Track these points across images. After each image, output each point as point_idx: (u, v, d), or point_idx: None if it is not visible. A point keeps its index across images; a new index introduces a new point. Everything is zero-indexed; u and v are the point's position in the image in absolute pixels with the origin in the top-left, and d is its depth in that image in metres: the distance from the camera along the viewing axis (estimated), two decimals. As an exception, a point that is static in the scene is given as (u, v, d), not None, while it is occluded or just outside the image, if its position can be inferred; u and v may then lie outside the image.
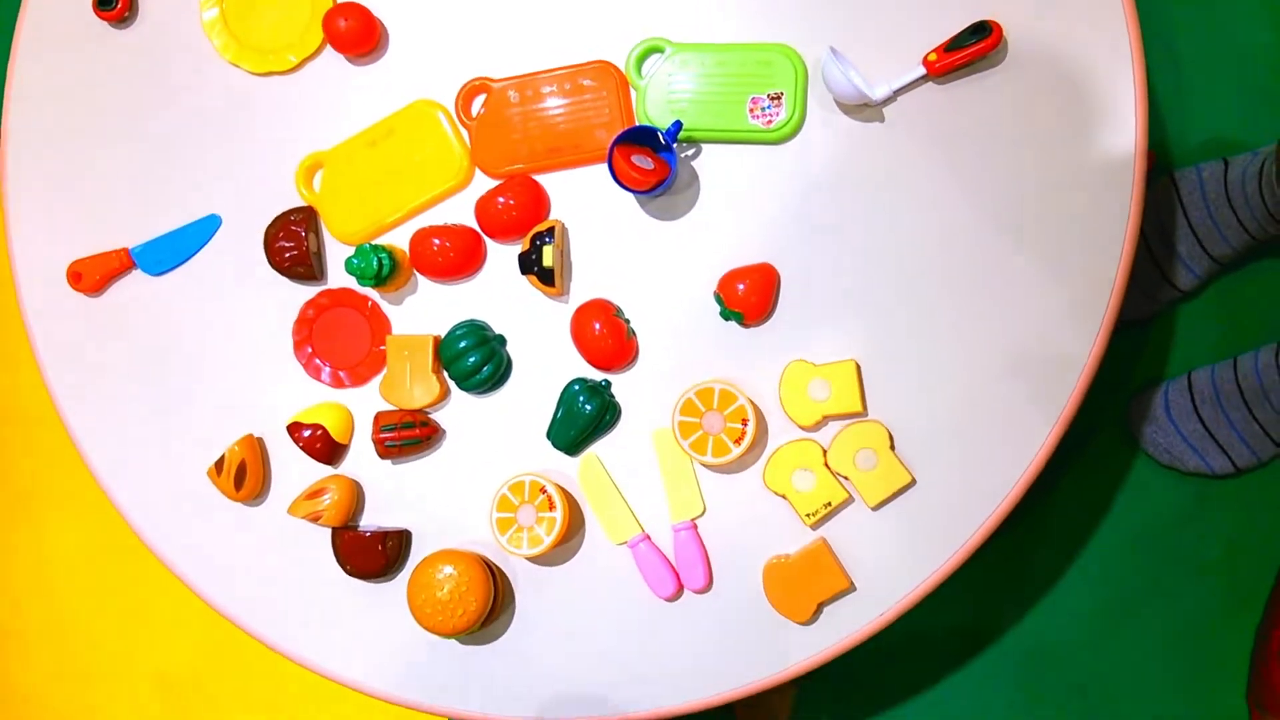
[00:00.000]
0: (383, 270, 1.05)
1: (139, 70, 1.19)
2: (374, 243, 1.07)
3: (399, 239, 1.12)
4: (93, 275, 1.17)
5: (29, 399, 1.82)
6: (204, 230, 1.16)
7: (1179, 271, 1.37)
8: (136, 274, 1.18)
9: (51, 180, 1.21)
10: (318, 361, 1.12)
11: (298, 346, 1.13)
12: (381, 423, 1.08)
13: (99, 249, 1.18)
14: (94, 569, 1.80)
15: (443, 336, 1.08)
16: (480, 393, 1.09)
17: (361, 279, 1.05)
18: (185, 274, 1.17)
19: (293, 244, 1.10)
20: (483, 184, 1.10)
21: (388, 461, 1.11)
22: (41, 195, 1.21)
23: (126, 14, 1.19)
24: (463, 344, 1.06)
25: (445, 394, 1.10)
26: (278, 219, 1.11)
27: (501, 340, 1.09)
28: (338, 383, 1.12)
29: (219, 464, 1.10)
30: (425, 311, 1.11)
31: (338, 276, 1.13)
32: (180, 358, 1.17)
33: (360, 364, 1.11)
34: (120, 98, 1.19)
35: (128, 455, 1.17)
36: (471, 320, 1.09)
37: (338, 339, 1.12)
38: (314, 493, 1.08)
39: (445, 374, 1.09)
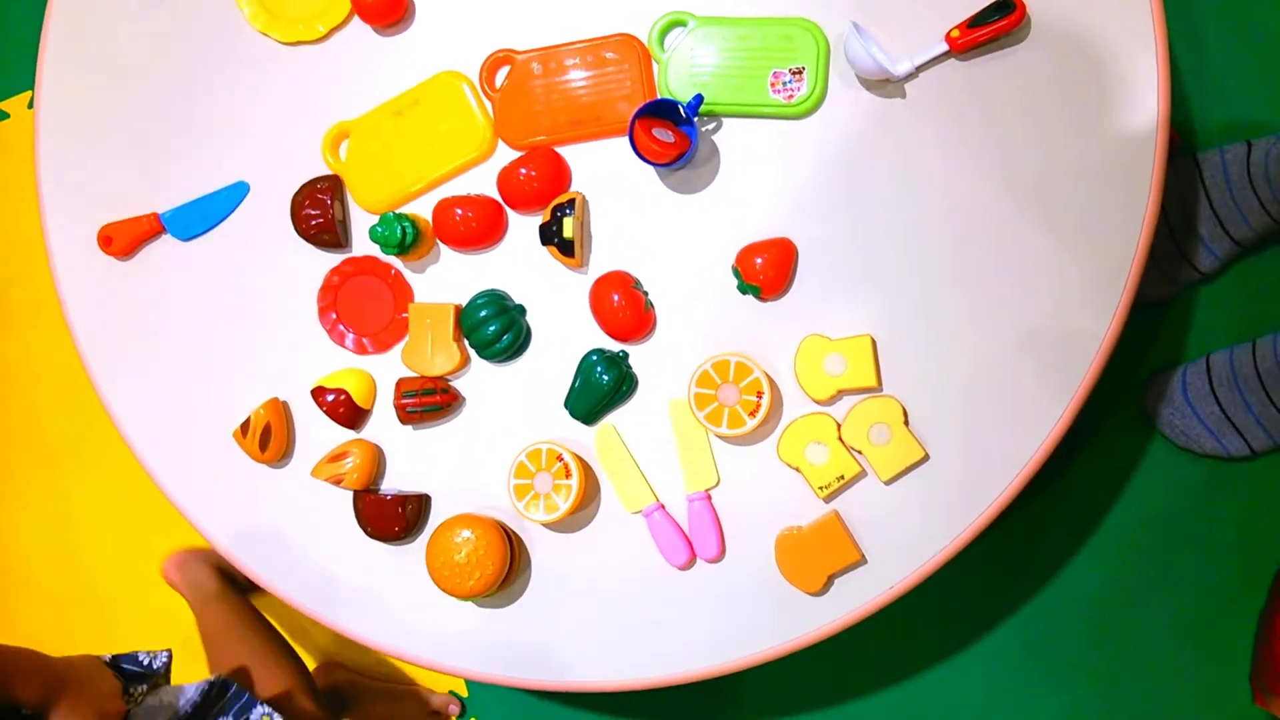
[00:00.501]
0: (406, 239, 1.07)
1: (170, 38, 1.21)
2: (398, 211, 1.09)
3: (423, 208, 1.13)
4: (123, 239, 1.19)
5: (58, 360, 1.85)
6: (232, 196, 1.18)
7: (1200, 253, 1.37)
8: (166, 238, 1.20)
9: (83, 145, 1.23)
10: (341, 328, 1.14)
11: (322, 312, 1.15)
12: (403, 389, 1.10)
13: (129, 213, 1.20)
14: (120, 529, 1.83)
15: (464, 305, 1.10)
16: (500, 361, 1.11)
17: (385, 247, 1.07)
18: (213, 239, 1.19)
19: (318, 211, 1.11)
20: (505, 155, 1.12)
21: (409, 427, 1.13)
22: (73, 159, 1.23)
23: (158, -19, 1.20)
24: (483, 313, 1.08)
25: (466, 361, 1.12)
26: (304, 187, 1.13)
27: (521, 310, 1.11)
28: (360, 349, 1.14)
29: (245, 426, 1.13)
30: (447, 280, 1.13)
31: (362, 244, 1.15)
32: (207, 321, 1.19)
33: (383, 331, 1.13)
34: (151, 65, 1.21)
35: (155, 416, 1.20)
36: (492, 290, 1.11)
37: (361, 306, 1.14)
38: (337, 456, 1.10)
39: (466, 342, 1.11)
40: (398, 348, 1.13)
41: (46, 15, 1.25)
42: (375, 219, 1.12)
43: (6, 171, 1.95)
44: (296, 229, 1.13)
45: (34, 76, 1.26)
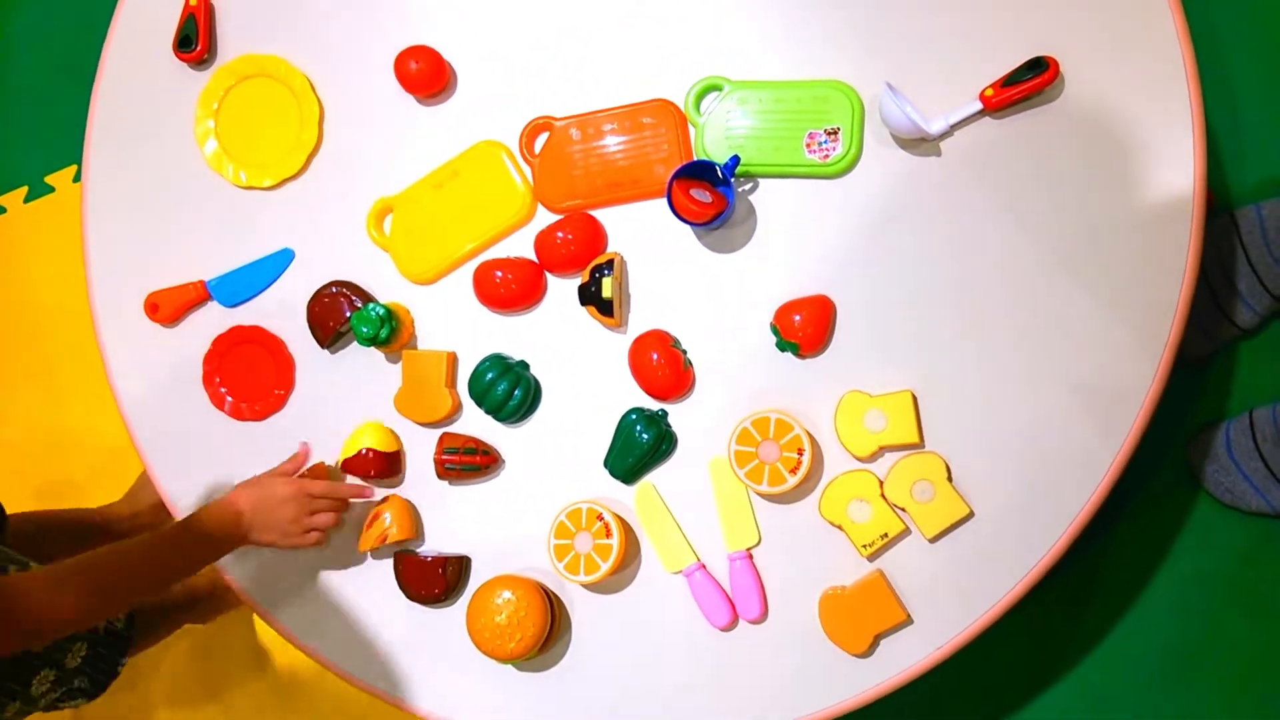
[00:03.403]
0: (379, 337, 1.09)
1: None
2: (385, 306, 1.11)
3: (465, 273, 1.15)
4: (169, 306, 1.21)
5: (103, 427, 1.88)
6: (277, 264, 1.20)
7: (1239, 309, 1.36)
8: (211, 305, 1.22)
9: (129, 216, 1.26)
10: (223, 390, 1.20)
11: (206, 377, 1.20)
12: (445, 444, 1.10)
13: (175, 281, 1.22)
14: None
15: (469, 376, 1.11)
16: (517, 420, 1.11)
17: (361, 339, 1.09)
18: (258, 305, 1.21)
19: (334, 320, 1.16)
20: (546, 218, 1.13)
21: (451, 489, 1.13)
22: (119, 230, 1.27)
23: (205, 56, 1.24)
24: (489, 375, 1.09)
25: (458, 408, 1.13)
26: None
27: (524, 365, 1.11)
28: (238, 414, 1.20)
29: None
30: (487, 339, 1.14)
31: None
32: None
33: (262, 400, 1.19)
34: (195, 137, 1.24)
35: (198, 481, 1.21)
36: (492, 354, 1.12)
37: (245, 373, 1.20)
38: (373, 519, 1.11)
39: (479, 408, 1.11)
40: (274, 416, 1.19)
41: (94, 90, 1.29)
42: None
43: (53, 244, 2.00)
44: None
45: (80, 151, 1.29)
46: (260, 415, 1.19)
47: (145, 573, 1.01)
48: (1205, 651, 1.42)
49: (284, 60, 1.21)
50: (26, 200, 2.03)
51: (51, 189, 2.02)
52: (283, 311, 1.19)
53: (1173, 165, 0.99)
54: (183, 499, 1.21)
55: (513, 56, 1.16)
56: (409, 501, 1.14)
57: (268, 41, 1.23)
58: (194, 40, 1.22)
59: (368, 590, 1.15)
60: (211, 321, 1.22)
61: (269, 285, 1.20)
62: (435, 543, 1.14)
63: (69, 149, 2.00)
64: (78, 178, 1.97)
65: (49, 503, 1.77)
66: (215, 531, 1.05)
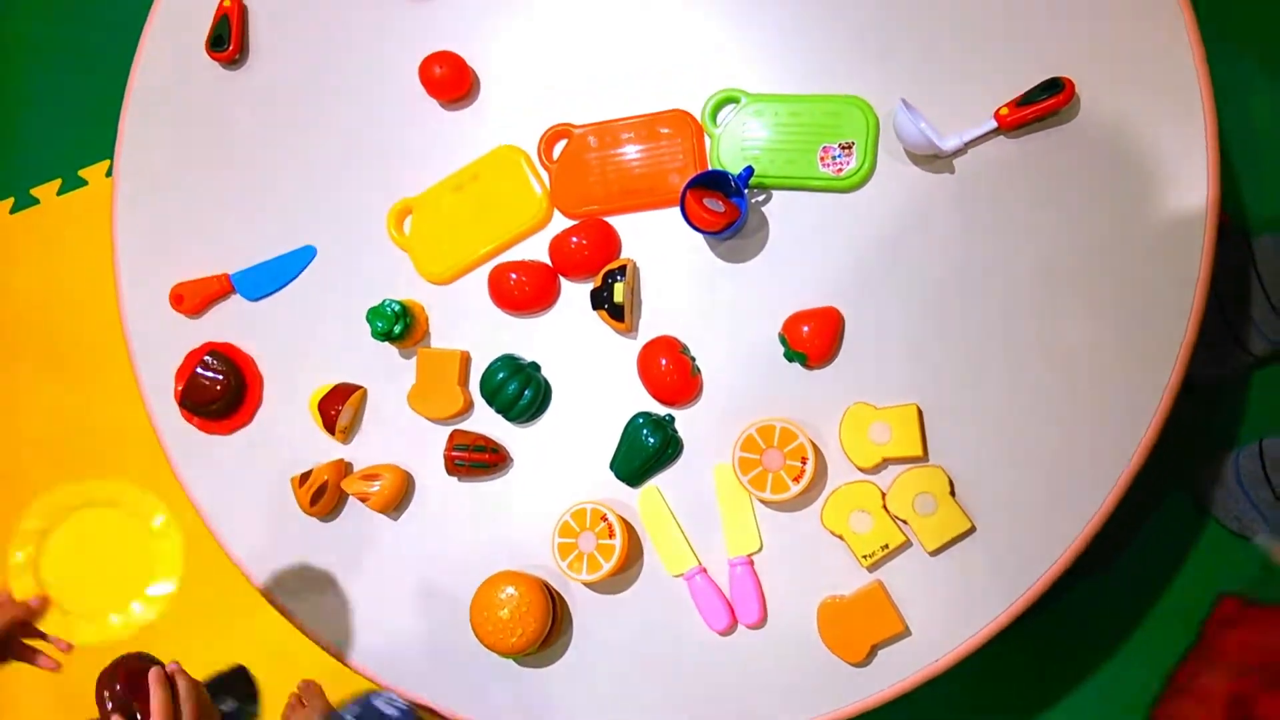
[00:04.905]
0: (394, 332, 1.12)
1: (246, 109, 1.27)
2: (401, 302, 1.13)
3: (481, 275, 1.17)
4: (194, 298, 1.24)
5: (123, 412, 1.91)
6: (300, 259, 1.22)
7: (1252, 336, 1.36)
8: (235, 298, 1.24)
9: (158, 210, 1.29)
10: None
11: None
12: (455, 441, 1.12)
13: (201, 274, 1.25)
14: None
15: (481, 375, 1.13)
16: (527, 420, 1.13)
17: (375, 334, 1.12)
18: (280, 299, 1.23)
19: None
20: (562, 223, 1.15)
21: (459, 485, 1.15)
22: (148, 224, 1.30)
23: (237, 56, 1.27)
24: (500, 375, 1.11)
25: (469, 406, 1.15)
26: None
27: (536, 366, 1.13)
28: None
29: (304, 476, 1.15)
30: (499, 340, 1.16)
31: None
32: (271, 377, 1.23)
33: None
34: (228, 134, 1.27)
35: (219, 466, 1.23)
36: (505, 354, 1.14)
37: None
38: (368, 475, 1.13)
39: (490, 407, 1.13)
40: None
41: (128, 86, 1.32)
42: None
43: (83, 236, 2.04)
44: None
45: (111, 146, 1.32)
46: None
47: None
48: (1209, 679, 1.41)
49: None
50: (60, 193, 2.07)
51: (85, 182, 2.06)
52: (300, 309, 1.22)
53: (1186, 188, 0.99)
54: (198, 485, 1.24)
55: (534, 64, 1.18)
56: (409, 480, 1.16)
57: (298, 43, 1.25)
58: (226, 40, 1.25)
59: (376, 582, 1.16)
60: (235, 314, 1.24)
61: (290, 280, 1.23)
62: (443, 535, 1.15)
63: (102, 143, 2.04)
64: (110, 172, 2.02)
65: (70, 487, 1.81)
66: None
